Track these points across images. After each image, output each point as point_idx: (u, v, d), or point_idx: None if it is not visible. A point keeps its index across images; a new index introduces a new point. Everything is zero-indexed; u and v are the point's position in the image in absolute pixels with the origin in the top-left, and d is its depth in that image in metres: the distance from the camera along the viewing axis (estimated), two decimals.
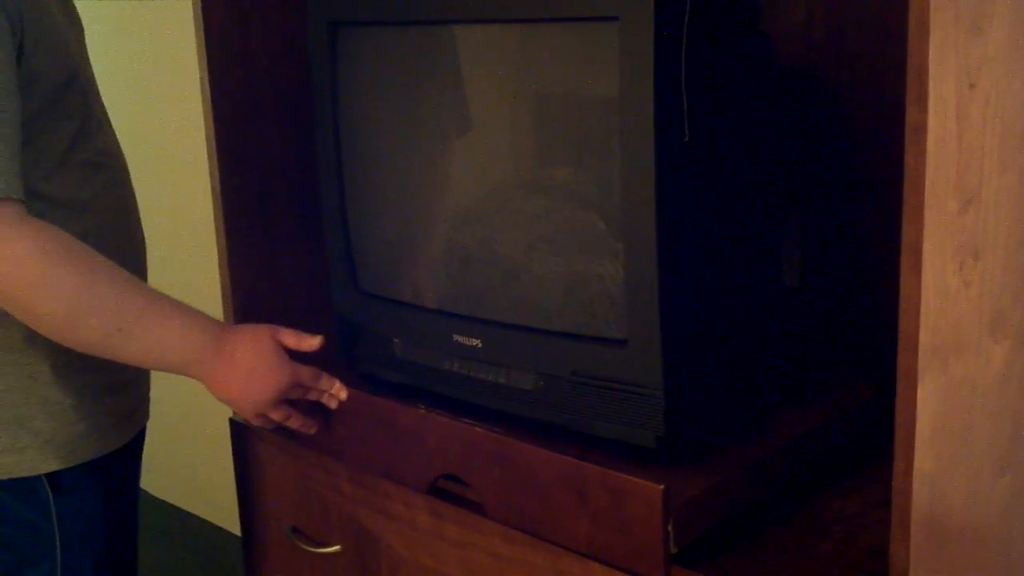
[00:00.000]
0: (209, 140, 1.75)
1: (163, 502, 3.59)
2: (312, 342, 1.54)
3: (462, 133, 1.53)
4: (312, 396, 1.56)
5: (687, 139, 1.28)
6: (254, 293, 1.82)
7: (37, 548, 1.54)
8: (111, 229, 1.55)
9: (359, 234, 1.63)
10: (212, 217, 1.78)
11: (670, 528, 1.28)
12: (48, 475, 1.52)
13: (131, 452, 1.66)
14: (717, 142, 1.34)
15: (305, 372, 1.53)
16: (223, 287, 1.81)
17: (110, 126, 1.63)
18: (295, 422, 1.57)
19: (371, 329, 1.63)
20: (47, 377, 1.50)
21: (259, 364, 1.49)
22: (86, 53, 1.61)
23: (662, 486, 1.27)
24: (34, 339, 1.46)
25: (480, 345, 1.49)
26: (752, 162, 1.42)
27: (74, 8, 1.61)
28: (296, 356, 1.54)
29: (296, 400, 1.56)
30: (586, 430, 1.42)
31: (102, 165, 1.56)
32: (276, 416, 1.55)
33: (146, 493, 3.26)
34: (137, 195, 1.68)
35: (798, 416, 1.51)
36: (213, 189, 1.77)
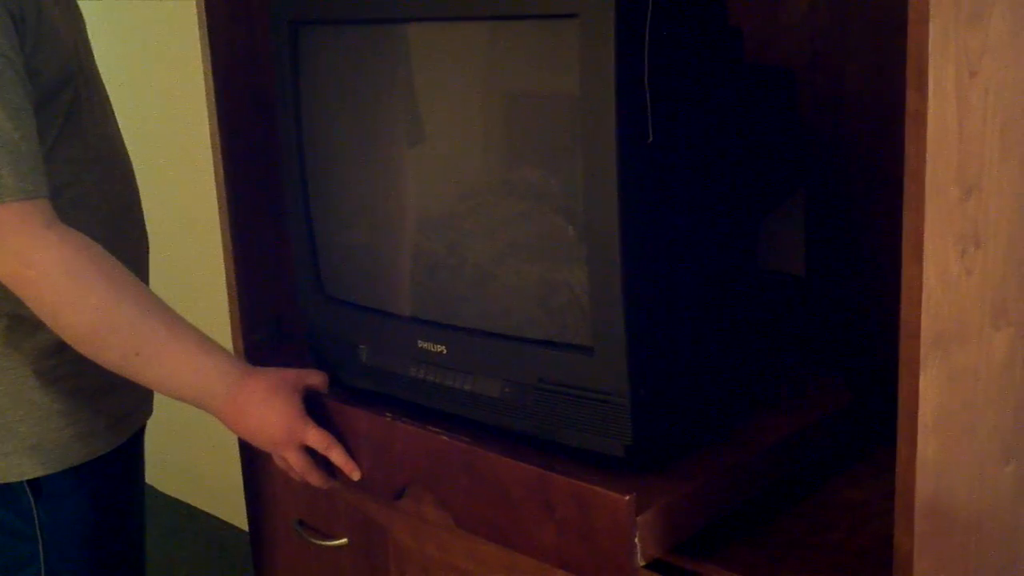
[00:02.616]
0: (213, 136, 1.71)
1: (170, 498, 3.57)
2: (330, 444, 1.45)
3: (427, 134, 1.46)
4: (313, 479, 1.47)
5: (651, 139, 1.20)
6: (259, 290, 1.77)
7: (20, 554, 1.50)
8: (104, 225, 1.49)
9: (324, 238, 1.56)
10: (217, 214, 1.75)
11: (636, 539, 1.21)
12: (31, 481, 1.47)
13: (128, 452, 1.60)
14: (684, 142, 1.26)
15: (314, 437, 1.43)
16: (228, 285, 1.77)
17: (112, 121, 1.58)
18: (313, 478, 1.48)
19: (338, 335, 1.56)
20: (33, 382, 1.46)
21: (269, 418, 1.42)
22: (87, 46, 1.55)
23: (627, 496, 1.21)
24: (19, 345, 1.43)
25: (445, 352, 1.42)
26: (723, 162, 1.34)
27: (73, 2, 1.54)
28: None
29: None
30: (554, 438, 1.34)
31: (97, 160, 1.50)
32: (280, 464, 1.48)
33: (152, 489, 3.23)
34: (142, 192, 1.63)
35: (776, 419, 1.44)
36: (218, 185, 1.73)
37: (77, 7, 1.55)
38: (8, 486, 1.47)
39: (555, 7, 1.22)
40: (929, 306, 1.05)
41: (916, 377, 1.06)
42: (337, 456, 1.44)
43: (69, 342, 1.35)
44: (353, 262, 1.56)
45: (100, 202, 1.50)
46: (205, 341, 1.41)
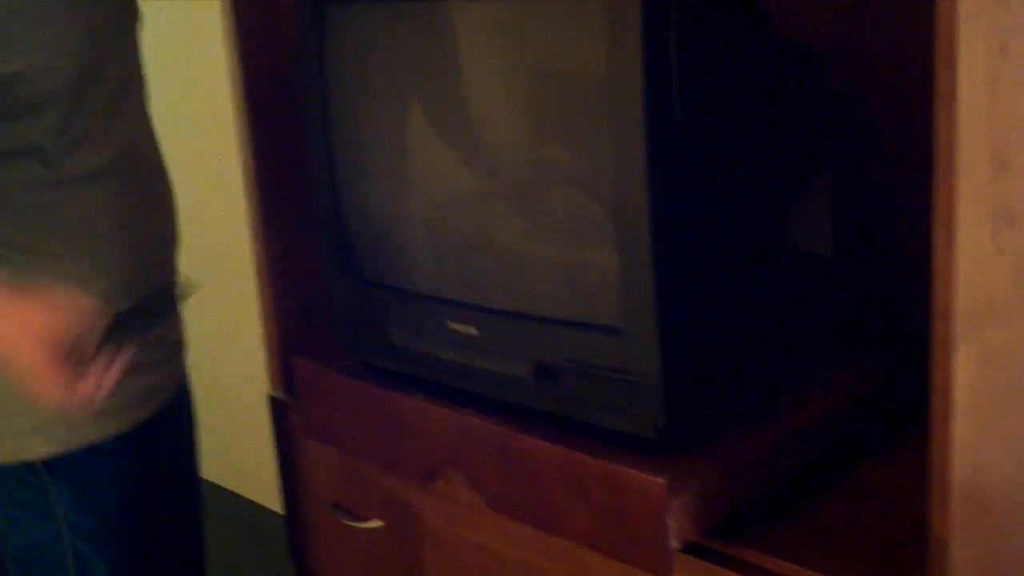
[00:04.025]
0: (240, 122, 1.70)
1: (203, 480, 3.55)
2: None
3: (455, 114, 1.44)
4: None
5: (679, 116, 1.19)
6: (287, 275, 1.76)
7: (44, 533, 1.50)
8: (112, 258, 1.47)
9: (353, 220, 1.55)
10: (245, 200, 1.74)
11: (670, 522, 1.21)
12: (46, 460, 1.47)
13: (150, 430, 1.57)
14: (712, 120, 1.25)
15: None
16: (258, 271, 1.76)
17: (138, 115, 1.54)
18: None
19: (368, 317, 1.56)
20: None
21: None
22: (112, 39, 1.48)
23: (662, 479, 1.21)
24: None
25: (476, 333, 1.41)
26: (750, 140, 1.33)
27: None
28: None
29: None
30: (587, 420, 1.33)
31: (98, 178, 1.46)
32: None
33: None
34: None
35: (807, 399, 1.43)
36: (246, 172, 1.72)
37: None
38: (27, 466, 1.47)
39: None
40: (961, 286, 1.04)
41: (949, 358, 1.04)
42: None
43: None
44: (382, 243, 1.55)
45: (104, 215, 1.47)
46: None
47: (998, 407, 1.13)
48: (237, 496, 3.51)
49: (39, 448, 1.46)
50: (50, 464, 1.47)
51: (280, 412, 1.76)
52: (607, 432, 1.31)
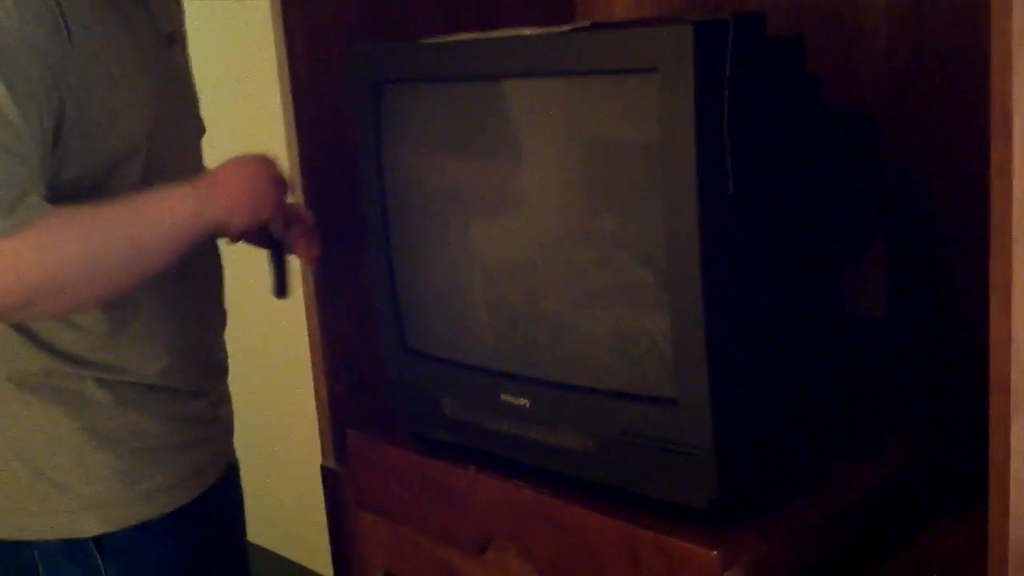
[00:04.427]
0: (297, 192, 1.70)
1: (254, 545, 3.55)
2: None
3: (508, 187, 1.46)
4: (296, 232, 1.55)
5: (732, 190, 1.19)
6: (341, 341, 1.76)
7: None
8: (168, 294, 1.50)
9: (406, 291, 1.56)
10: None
11: None
12: (96, 537, 1.47)
13: (200, 508, 1.58)
14: (765, 191, 1.25)
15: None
16: (311, 336, 1.76)
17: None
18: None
19: (420, 387, 1.56)
20: (94, 444, 1.46)
21: (243, 170, 1.46)
22: (178, 90, 1.55)
23: (714, 551, 1.21)
24: (79, 410, 1.43)
25: (528, 404, 1.41)
26: (804, 209, 1.33)
27: (178, 74, 1.56)
28: None
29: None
30: (639, 491, 1.33)
31: None
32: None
33: None
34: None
35: (861, 469, 1.42)
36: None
37: (180, 35, 1.56)
38: (76, 543, 1.47)
39: (635, 62, 1.22)
40: (1019, 358, 1.03)
41: (1008, 430, 1.04)
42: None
43: (86, 301, 1.36)
44: (435, 314, 1.56)
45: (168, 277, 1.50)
46: (160, 189, 1.41)
47: None
48: (291, 563, 3.51)
49: (91, 526, 1.47)
50: (100, 542, 1.47)
51: (333, 482, 1.76)
52: (660, 503, 1.31)
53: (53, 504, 1.45)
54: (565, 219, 1.42)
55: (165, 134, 1.49)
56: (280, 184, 1.50)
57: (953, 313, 1.60)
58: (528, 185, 1.44)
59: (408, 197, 1.53)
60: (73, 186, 1.36)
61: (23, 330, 1.41)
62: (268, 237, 1.55)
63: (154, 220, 1.38)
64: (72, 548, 1.47)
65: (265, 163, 1.48)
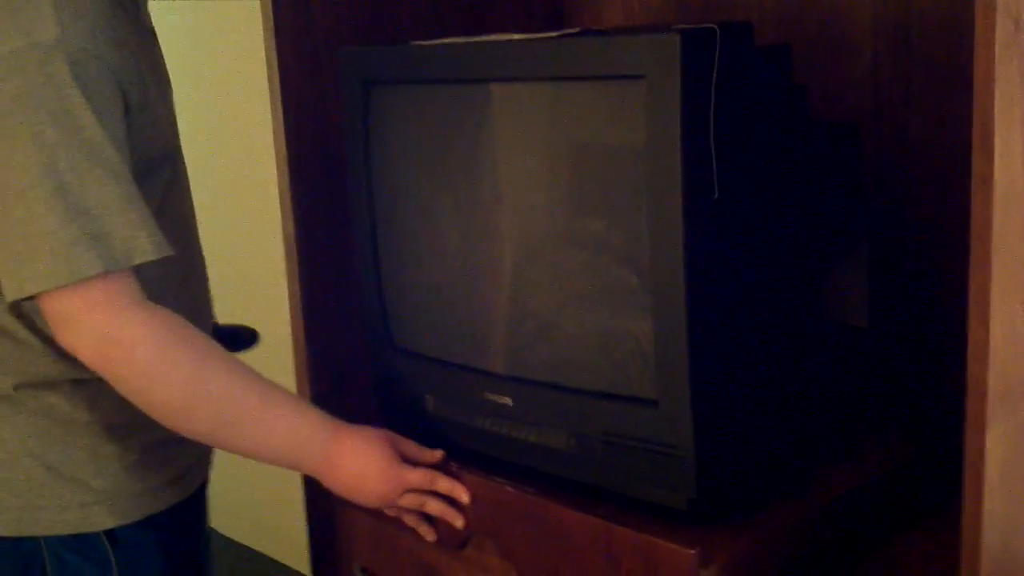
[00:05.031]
0: (282, 191, 1.71)
1: (232, 541, 3.57)
2: (435, 455, 1.47)
3: (494, 190, 1.47)
4: (431, 507, 1.47)
5: (716, 196, 1.21)
6: (323, 341, 1.76)
7: None
8: (175, 299, 1.49)
9: (392, 290, 1.57)
10: (284, 266, 1.75)
11: None
12: (107, 531, 1.48)
13: (195, 501, 1.61)
14: (749, 197, 1.27)
15: (416, 476, 1.44)
16: (295, 337, 1.77)
17: (189, 195, 1.59)
18: (410, 520, 1.50)
19: (404, 385, 1.57)
20: (109, 436, 1.46)
21: (367, 471, 1.43)
22: (176, 126, 1.56)
23: (692, 550, 1.22)
24: (96, 402, 1.44)
25: (511, 403, 1.42)
26: (787, 216, 1.34)
27: (167, 80, 1.55)
28: None
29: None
30: (619, 490, 1.34)
31: (177, 240, 1.48)
32: (393, 513, 1.49)
33: (215, 532, 3.23)
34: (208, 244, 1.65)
35: (839, 473, 1.44)
36: (286, 239, 1.73)
37: (166, 76, 1.56)
38: (86, 537, 1.47)
39: (623, 68, 1.24)
40: (995, 365, 1.04)
41: (983, 435, 1.04)
42: (444, 484, 1.44)
43: (158, 418, 1.35)
44: (420, 313, 1.57)
45: (174, 281, 1.51)
46: (297, 403, 1.42)
47: None
48: (268, 559, 3.51)
49: (103, 520, 1.47)
50: (111, 536, 1.48)
51: (312, 478, 1.75)
52: (640, 503, 1.32)
53: (66, 499, 1.45)
54: (551, 221, 1.43)
55: (180, 151, 1.54)
56: (407, 469, 1.46)
57: (933, 322, 1.61)
58: (515, 187, 1.45)
59: (396, 197, 1.54)
60: None
61: (44, 337, 1.40)
62: None
63: (264, 421, 1.39)
64: (81, 543, 1.47)
65: (392, 459, 1.44)
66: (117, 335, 1.29)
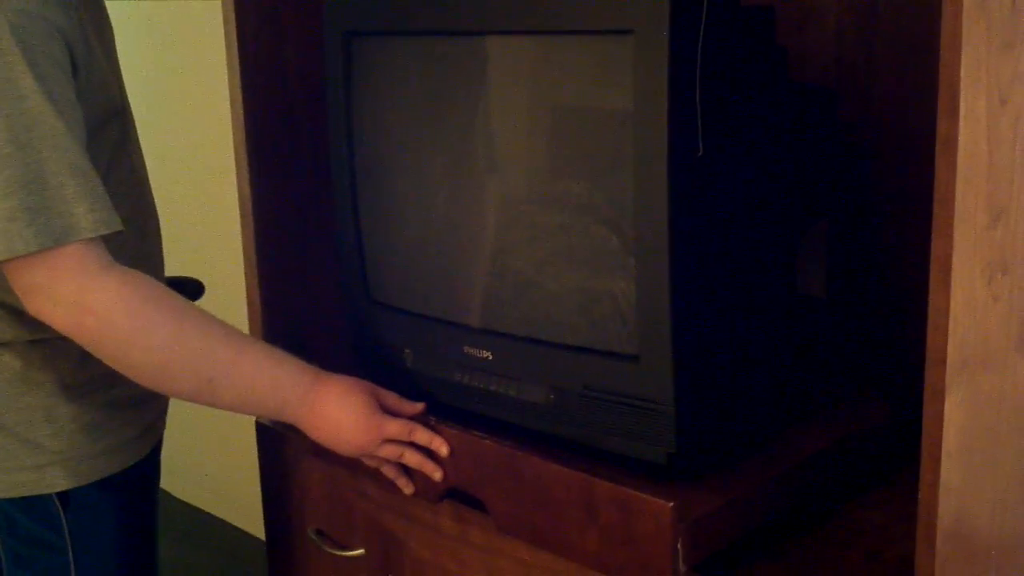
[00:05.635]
0: (238, 148, 1.70)
1: (186, 504, 3.56)
2: (415, 407, 1.47)
3: (476, 145, 1.47)
4: (409, 459, 1.46)
5: (701, 153, 1.22)
6: (280, 301, 1.76)
7: (53, 566, 1.50)
8: (130, 254, 1.47)
9: (372, 244, 1.57)
10: (240, 226, 1.74)
11: (679, 545, 1.23)
12: (59, 493, 1.47)
13: (149, 462, 1.60)
14: (731, 156, 1.28)
15: (395, 427, 1.44)
16: (249, 299, 1.76)
17: (139, 150, 1.57)
18: (389, 471, 1.49)
19: (383, 339, 1.57)
20: (65, 396, 1.45)
21: (345, 419, 1.43)
22: (122, 80, 1.54)
23: (671, 503, 1.23)
24: (52, 360, 1.42)
25: (491, 357, 1.43)
26: (767, 176, 1.36)
27: (111, 35, 1.53)
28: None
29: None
30: (598, 445, 1.36)
31: (128, 195, 1.49)
32: (372, 463, 1.49)
33: (169, 495, 3.24)
34: (164, 204, 1.64)
35: (812, 433, 1.46)
36: (241, 198, 1.72)
37: (112, 40, 1.53)
38: (39, 499, 1.46)
39: (610, 23, 1.24)
40: (955, 332, 1.04)
41: (942, 402, 1.05)
42: (422, 436, 1.44)
43: (139, 381, 1.34)
44: (400, 268, 1.57)
45: (131, 231, 1.48)
46: (273, 353, 1.41)
47: (987, 452, 1.14)
48: (221, 522, 3.50)
49: (58, 481, 1.46)
50: (64, 497, 1.47)
51: (266, 438, 1.75)
52: (619, 457, 1.33)
53: (19, 460, 1.44)
54: (534, 178, 1.44)
55: (128, 106, 1.52)
56: (387, 419, 1.45)
57: (892, 291, 1.63)
58: (499, 142, 1.45)
59: (376, 151, 1.54)
60: None
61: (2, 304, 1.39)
62: None
63: (245, 373, 1.39)
64: (31, 504, 1.46)
65: (372, 408, 1.44)
66: (89, 303, 1.27)
